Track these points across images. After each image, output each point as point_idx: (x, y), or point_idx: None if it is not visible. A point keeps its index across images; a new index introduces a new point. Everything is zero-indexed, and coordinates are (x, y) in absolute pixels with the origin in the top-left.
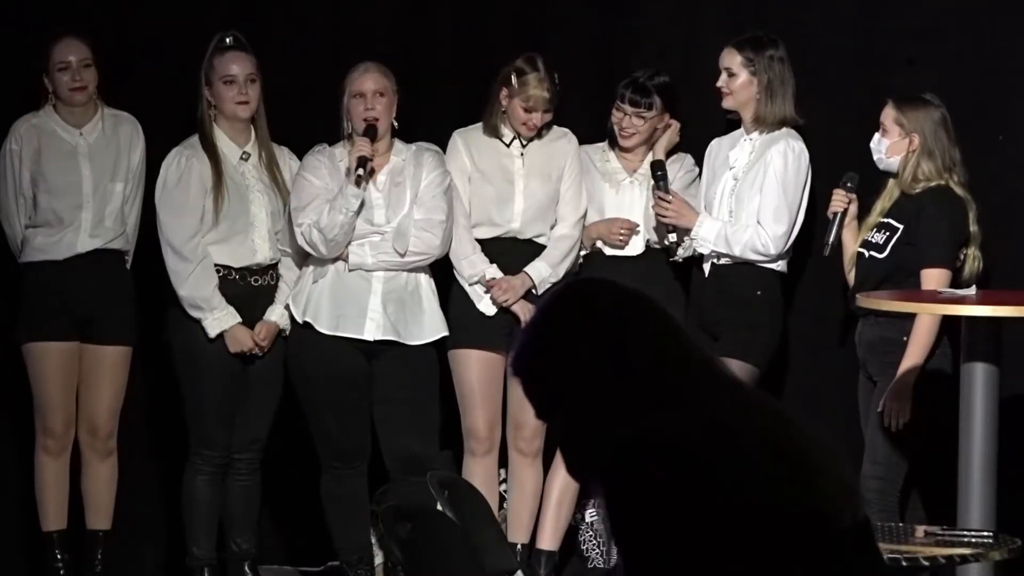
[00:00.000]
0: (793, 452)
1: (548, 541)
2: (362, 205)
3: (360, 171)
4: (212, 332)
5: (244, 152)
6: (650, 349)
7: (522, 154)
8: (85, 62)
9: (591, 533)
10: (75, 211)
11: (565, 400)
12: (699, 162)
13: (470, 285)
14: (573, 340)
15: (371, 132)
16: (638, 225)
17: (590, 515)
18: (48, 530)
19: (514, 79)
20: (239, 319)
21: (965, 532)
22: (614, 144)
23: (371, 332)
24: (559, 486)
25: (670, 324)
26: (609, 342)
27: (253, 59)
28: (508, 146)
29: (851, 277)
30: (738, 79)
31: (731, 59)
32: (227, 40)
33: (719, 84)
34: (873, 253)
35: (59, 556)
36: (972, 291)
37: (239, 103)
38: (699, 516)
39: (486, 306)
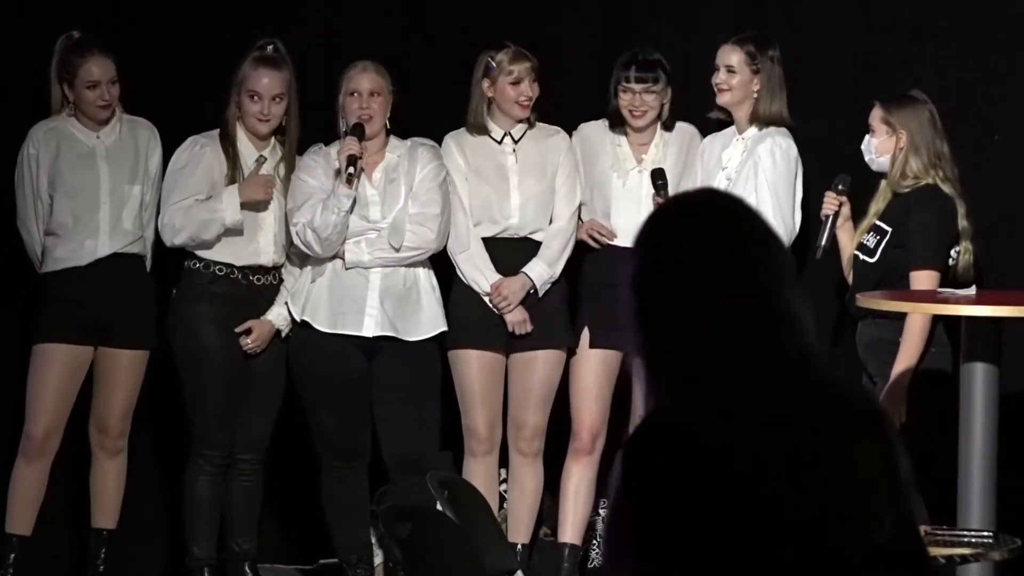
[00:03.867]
0: (833, 459)
1: (570, 535)
2: (355, 204)
3: (351, 170)
4: (238, 214)
5: (260, 156)
6: (738, 299)
7: (514, 150)
8: (113, 80)
9: (592, 533)
10: (92, 213)
11: (644, 328)
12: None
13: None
14: (670, 266)
15: (358, 131)
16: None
17: (596, 516)
18: (8, 531)
19: (491, 62)
20: (236, 185)
21: (965, 532)
22: (615, 126)
23: (370, 328)
24: (575, 480)
25: (774, 276)
26: (703, 281)
27: (285, 75)
28: (499, 143)
29: (850, 278)
30: (737, 76)
31: (731, 56)
32: (267, 50)
33: (717, 81)
34: (865, 257)
35: (11, 558)
36: (971, 291)
37: (259, 120)
38: (699, 510)
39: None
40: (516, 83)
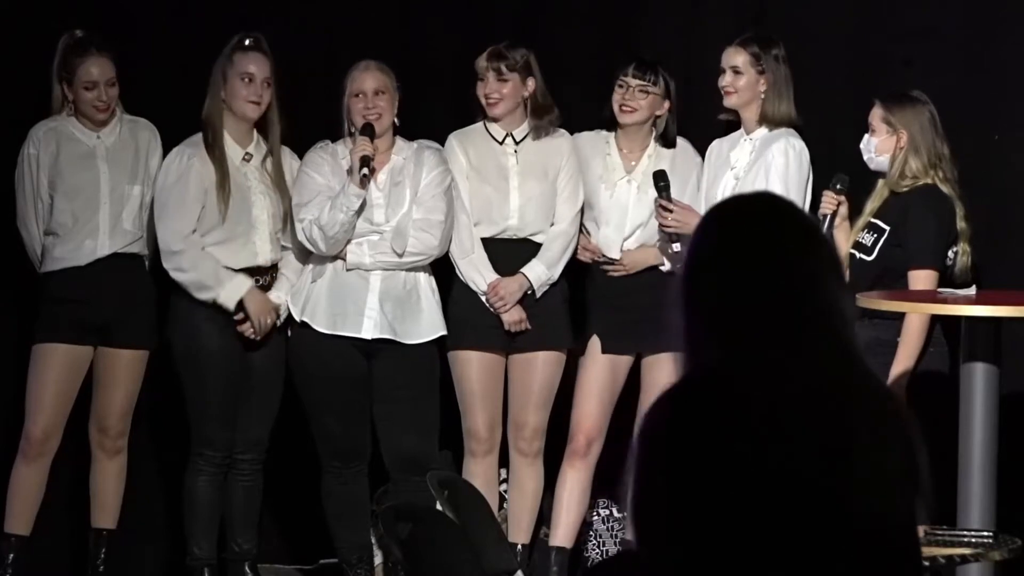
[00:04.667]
0: (862, 437)
1: (561, 538)
2: (363, 204)
3: (364, 171)
4: (231, 303)
5: (247, 153)
6: (778, 288)
7: (515, 151)
8: (111, 81)
9: (591, 533)
10: (92, 213)
11: (685, 305)
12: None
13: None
14: (714, 255)
15: (369, 131)
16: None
17: (595, 517)
18: (7, 531)
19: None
20: (252, 282)
21: (965, 532)
22: (612, 126)
23: (368, 331)
24: (569, 484)
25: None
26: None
27: (272, 64)
28: (501, 143)
29: (847, 279)
30: (743, 77)
31: (736, 57)
32: (248, 41)
33: (723, 83)
34: (862, 255)
35: (10, 558)
36: (971, 291)
37: (251, 102)
38: (737, 463)
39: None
40: (480, 79)
